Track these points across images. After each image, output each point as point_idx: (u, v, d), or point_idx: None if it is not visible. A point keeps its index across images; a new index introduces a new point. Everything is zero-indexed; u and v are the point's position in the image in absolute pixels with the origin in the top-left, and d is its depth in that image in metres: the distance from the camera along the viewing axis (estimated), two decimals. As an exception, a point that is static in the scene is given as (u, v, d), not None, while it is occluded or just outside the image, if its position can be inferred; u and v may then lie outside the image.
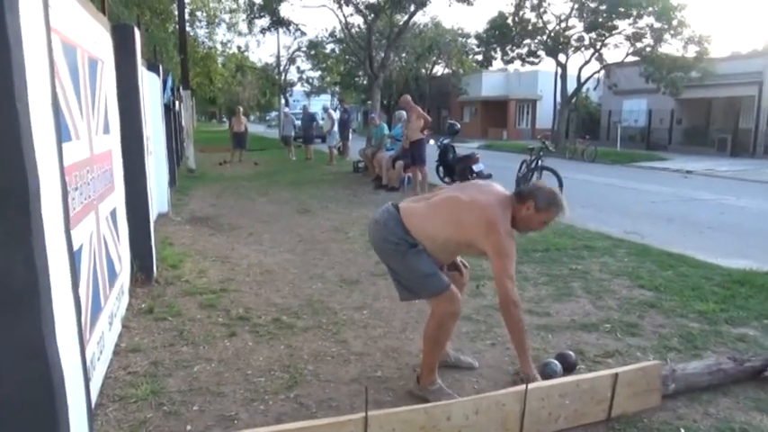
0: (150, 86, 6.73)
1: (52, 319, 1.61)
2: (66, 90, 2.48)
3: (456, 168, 10.59)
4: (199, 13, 26.30)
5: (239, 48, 33.59)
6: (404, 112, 10.98)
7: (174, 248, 5.74)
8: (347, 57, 30.34)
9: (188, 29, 18.07)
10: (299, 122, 19.42)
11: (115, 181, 3.81)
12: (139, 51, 4.57)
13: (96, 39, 3.41)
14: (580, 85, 24.47)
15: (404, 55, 29.15)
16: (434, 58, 34.58)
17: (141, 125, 4.51)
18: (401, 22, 18.10)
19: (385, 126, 12.69)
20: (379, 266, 5.11)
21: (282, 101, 34.55)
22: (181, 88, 14.40)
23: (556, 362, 3.02)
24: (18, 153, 1.50)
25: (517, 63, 26.55)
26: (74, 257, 1.91)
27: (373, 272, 5.03)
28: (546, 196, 2.69)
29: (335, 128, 16.84)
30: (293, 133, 18.90)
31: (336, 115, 17.20)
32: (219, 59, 27.77)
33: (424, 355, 2.81)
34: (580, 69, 24.25)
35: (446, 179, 11.26)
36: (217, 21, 27.00)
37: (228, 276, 4.89)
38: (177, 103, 13.75)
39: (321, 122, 17.72)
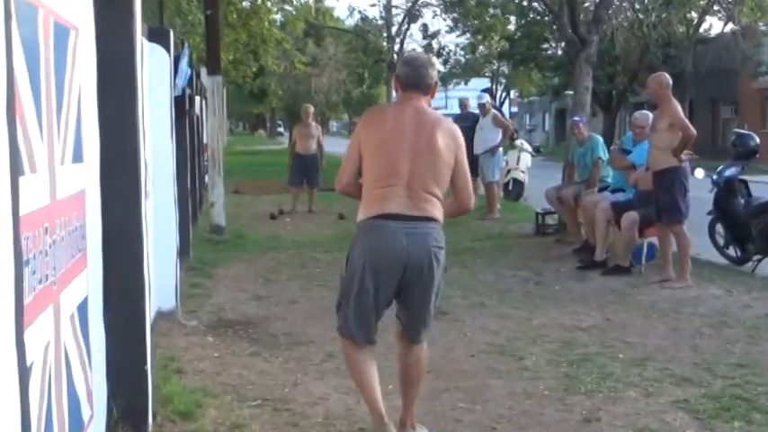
0: (153, 71, 7.19)
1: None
2: (20, 85, 2.77)
3: (752, 227, 10.31)
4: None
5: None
6: (647, 114, 10.86)
7: (185, 379, 6.00)
8: (523, 4, 30.93)
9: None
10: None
11: (89, 248, 4.11)
12: (139, 9, 4.97)
13: (69, -10, 3.78)
14: None
15: (639, -2, 29.12)
16: (702, 2, 34.26)
17: (138, 144, 4.82)
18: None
19: (599, 141, 12.62)
20: (587, 427, 5.10)
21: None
22: (204, 73, 15.23)
23: None
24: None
25: None
26: (27, 385, 2.13)
27: (576, 438, 5.02)
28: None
29: (500, 146, 17.00)
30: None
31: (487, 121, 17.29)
32: (277, 16, 29.13)
33: None
34: None
35: (732, 249, 10.98)
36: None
37: (287, 437, 5.07)
38: (197, 99, 14.52)
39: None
